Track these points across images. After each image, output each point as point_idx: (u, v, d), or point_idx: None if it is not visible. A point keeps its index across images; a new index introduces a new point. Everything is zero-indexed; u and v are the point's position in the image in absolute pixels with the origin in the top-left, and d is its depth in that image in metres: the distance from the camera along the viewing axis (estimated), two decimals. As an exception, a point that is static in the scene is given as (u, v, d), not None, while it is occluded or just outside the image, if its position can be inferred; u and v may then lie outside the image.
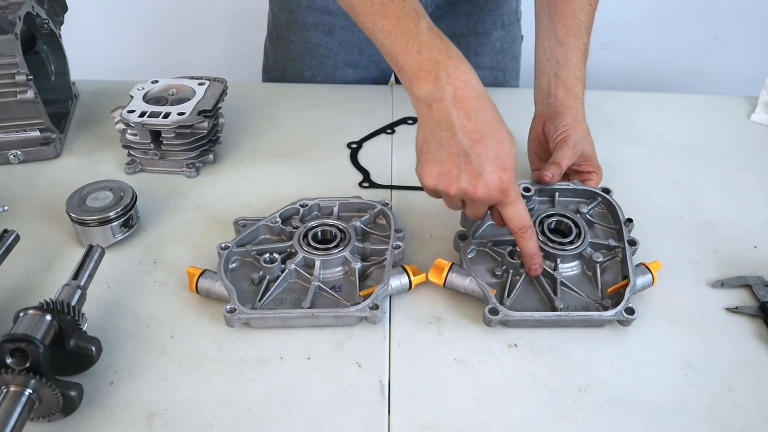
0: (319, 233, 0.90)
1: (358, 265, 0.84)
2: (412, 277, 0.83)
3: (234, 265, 0.87)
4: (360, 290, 0.83)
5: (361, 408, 0.73)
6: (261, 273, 0.84)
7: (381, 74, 1.38)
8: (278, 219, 0.91)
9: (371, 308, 0.78)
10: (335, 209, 0.94)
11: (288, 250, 0.87)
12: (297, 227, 0.89)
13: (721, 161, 1.14)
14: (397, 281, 0.83)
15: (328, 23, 1.28)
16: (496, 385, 0.76)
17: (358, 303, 0.80)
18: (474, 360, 0.78)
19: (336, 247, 0.86)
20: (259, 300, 0.81)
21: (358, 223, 0.91)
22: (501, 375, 0.77)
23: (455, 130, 0.72)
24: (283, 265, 0.84)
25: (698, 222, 1.00)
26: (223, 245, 0.86)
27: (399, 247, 0.87)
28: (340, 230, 0.89)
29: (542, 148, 1.01)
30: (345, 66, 1.35)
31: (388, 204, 0.94)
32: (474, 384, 0.76)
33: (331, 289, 0.83)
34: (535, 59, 1.03)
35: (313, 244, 0.87)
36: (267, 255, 0.84)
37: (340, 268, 0.86)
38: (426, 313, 0.84)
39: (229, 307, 0.78)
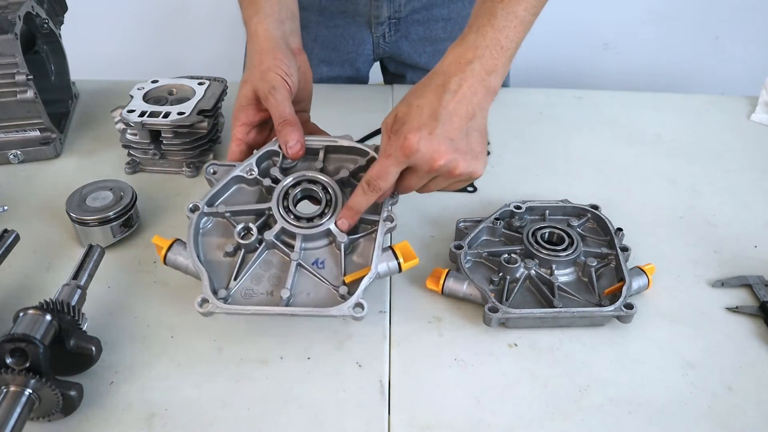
0: (300, 194, 0.79)
1: (344, 240, 0.75)
2: (401, 261, 0.75)
3: (208, 225, 0.78)
4: (345, 270, 0.75)
5: (361, 408, 0.73)
6: (236, 244, 0.76)
7: (356, 73, 1.37)
8: (255, 168, 0.79)
9: (355, 307, 0.71)
10: (321, 153, 0.81)
11: (266, 212, 0.77)
12: (276, 180, 0.79)
13: (721, 161, 1.14)
14: (384, 266, 0.75)
15: (303, 18, 1.27)
16: (496, 385, 0.76)
17: (343, 298, 0.73)
18: (474, 360, 0.78)
19: (320, 216, 0.76)
20: (235, 278, 0.74)
21: (347, 175, 0.80)
22: (501, 375, 0.77)
23: None
24: (260, 236, 0.75)
25: (698, 222, 1.00)
26: (191, 206, 0.76)
27: (391, 219, 0.76)
28: (326, 189, 0.78)
29: None
30: (319, 63, 1.32)
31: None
32: (474, 384, 0.76)
33: (312, 264, 0.75)
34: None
35: (293, 210, 0.77)
36: (242, 226, 0.75)
37: (324, 241, 0.77)
38: (426, 313, 0.84)
39: (200, 298, 0.70)
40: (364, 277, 0.73)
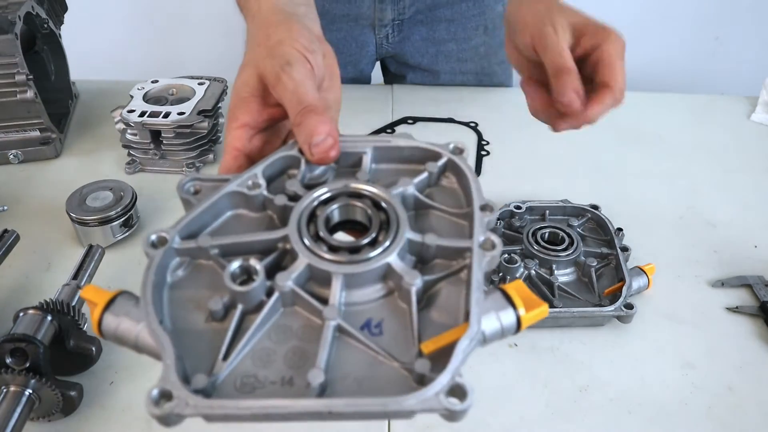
0: (337, 213, 0.50)
1: (416, 283, 0.44)
2: (521, 311, 0.44)
3: (180, 272, 0.48)
4: (421, 336, 0.44)
5: (361, 408, 0.73)
6: (227, 298, 0.45)
7: (359, 74, 1.37)
8: (260, 180, 0.50)
9: (448, 395, 0.40)
10: (366, 159, 0.53)
11: (279, 247, 0.47)
12: (295, 197, 0.50)
13: (721, 161, 1.14)
14: (494, 319, 0.43)
15: None
16: (496, 385, 0.76)
17: (420, 381, 0.42)
18: (474, 360, 0.78)
19: (372, 246, 0.46)
20: (224, 357, 0.43)
21: (409, 189, 0.51)
22: (501, 375, 0.77)
23: None
24: (269, 282, 0.45)
25: (698, 222, 1.00)
26: (153, 237, 0.46)
27: (492, 245, 0.46)
28: (378, 206, 0.49)
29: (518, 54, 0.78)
30: None
31: (462, 150, 0.53)
32: (474, 384, 0.75)
33: (363, 329, 0.45)
34: None
35: (326, 238, 0.47)
36: (238, 265, 0.44)
37: (378, 288, 0.46)
38: (426, 313, 0.84)
39: (157, 390, 0.39)
40: (457, 341, 0.41)
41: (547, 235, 0.88)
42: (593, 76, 0.69)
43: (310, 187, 0.51)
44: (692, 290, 0.88)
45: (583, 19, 0.71)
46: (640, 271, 0.85)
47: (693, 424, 0.72)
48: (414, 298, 0.44)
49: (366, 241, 0.46)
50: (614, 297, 0.81)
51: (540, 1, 0.71)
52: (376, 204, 0.49)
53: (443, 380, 0.39)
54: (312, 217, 0.48)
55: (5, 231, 0.84)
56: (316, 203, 0.49)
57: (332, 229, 0.49)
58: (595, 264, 0.85)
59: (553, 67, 0.68)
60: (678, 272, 0.90)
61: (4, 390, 0.65)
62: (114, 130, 1.07)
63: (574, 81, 0.66)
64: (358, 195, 0.50)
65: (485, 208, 0.48)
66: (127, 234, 0.92)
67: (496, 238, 0.46)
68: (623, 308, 0.79)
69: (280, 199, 0.49)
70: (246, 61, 0.59)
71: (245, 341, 0.43)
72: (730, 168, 1.13)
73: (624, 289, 0.81)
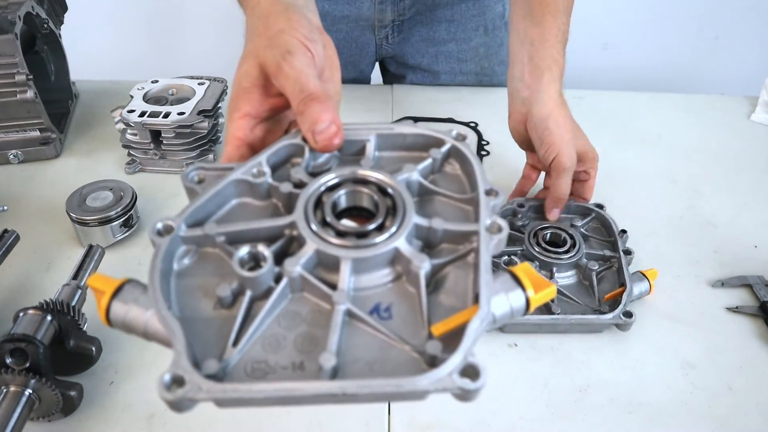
0: (344, 199, 0.50)
1: (424, 266, 0.45)
2: (530, 293, 0.44)
3: (186, 260, 0.48)
4: (430, 319, 0.44)
5: (361, 408, 0.73)
6: (235, 285, 0.45)
7: (360, 74, 1.37)
8: (265, 168, 0.51)
9: (461, 375, 0.40)
10: (370, 146, 0.54)
11: (286, 233, 0.48)
12: (300, 184, 0.50)
13: (721, 161, 1.14)
14: (503, 300, 0.44)
15: None
16: (496, 385, 0.76)
17: (432, 363, 0.42)
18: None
19: (379, 230, 0.47)
20: (234, 343, 0.43)
21: (414, 175, 0.51)
22: (501, 375, 0.77)
23: None
24: (278, 268, 0.45)
25: (698, 222, 1.00)
26: (159, 226, 0.46)
27: (499, 228, 0.47)
28: (384, 192, 0.50)
29: (531, 144, 0.93)
30: None
31: (464, 137, 0.54)
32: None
33: (372, 313, 0.45)
34: (510, 44, 0.95)
35: (333, 223, 0.47)
36: (246, 250, 0.45)
37: (387, 272, 0.47)
38: (426, 313, 0.84)
39: (168, 375, 0.39)
40: (467, 322, 0.42)
41: (548, 235, 0.88)
42: (573, 187, 0.91)
43: (314, 175, 0.51)
44: (692, 290, 0.88)
45: (583, 145, 0.90)
46: (642, 276, 0.84)
47: (693, 424, 0.72)
48: (423, 282, 0.45)
49: (373, 226, 0.47)
50: (614, 303, 0.81)
51: (564, 123, 0.87)
52: (382, 190, 0.50)
53: (456, 360, 0.40)
54: (318, 203, 0.49)
55: (5, 231, 0.84)
56: (323, 189, 0.50)
57: (338, 216, 0.49)
58: (596, 267, 0.84)
59: (554, 195, 0.88)
60: (678, 272, 0.90)
61: (4, 390, 0.65)
62: (114, 130, 1.07)
63: (562, 206, 0.90)
64: (364, 181, 0.50)
65: (490, 192, 0.49)
66: (127, 234, 0.92)
67: (502, 222, 0.47)
68: (622, 316, 0.78)
69: (286, 187, 0.50)
70: (246, 52, 0.59)
71: (255, 327, 0.44)
72: (730, 168, 1.13)
73: (624, 295, 0.80)
